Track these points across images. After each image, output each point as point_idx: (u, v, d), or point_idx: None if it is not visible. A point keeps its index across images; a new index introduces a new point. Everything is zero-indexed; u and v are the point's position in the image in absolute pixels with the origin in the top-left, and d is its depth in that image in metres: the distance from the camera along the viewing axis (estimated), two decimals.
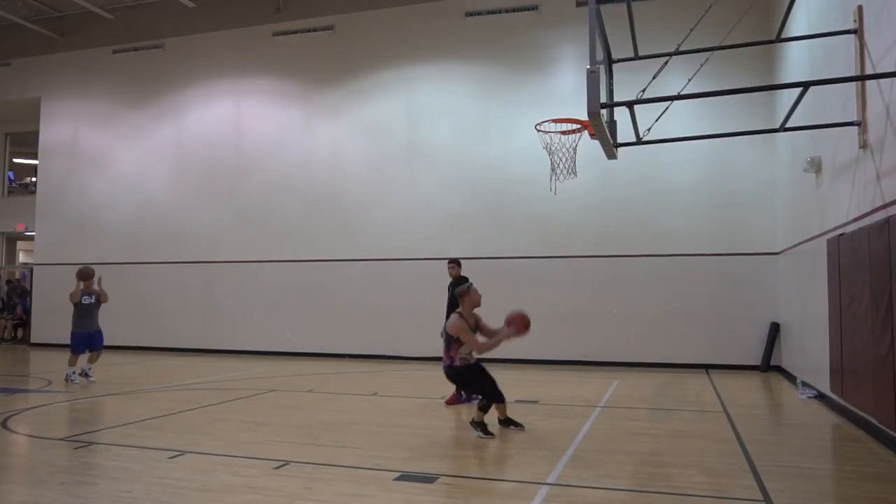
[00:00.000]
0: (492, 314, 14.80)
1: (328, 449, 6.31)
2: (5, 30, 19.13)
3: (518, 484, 5.07)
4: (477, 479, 5.26)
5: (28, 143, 20.56)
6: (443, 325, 7.65)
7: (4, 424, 7.32)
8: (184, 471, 5.48)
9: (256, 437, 7.30)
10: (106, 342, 11.25)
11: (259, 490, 4.94)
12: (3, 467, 5.80)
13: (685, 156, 13.37)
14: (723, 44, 8.16)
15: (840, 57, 7.80)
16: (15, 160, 21.95)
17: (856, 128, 7.16)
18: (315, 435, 7.21)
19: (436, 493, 4.89)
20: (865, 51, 6.96)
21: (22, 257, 23.23)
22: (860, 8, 7.11)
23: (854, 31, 7.21)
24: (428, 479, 5.21)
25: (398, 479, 5.22)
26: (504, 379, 11.63)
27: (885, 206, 6.29)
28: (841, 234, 7.66)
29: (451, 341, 7.20)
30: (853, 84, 7.19)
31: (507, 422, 7.27)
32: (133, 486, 5.00)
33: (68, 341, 11.14)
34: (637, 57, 8.10)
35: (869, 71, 6.82)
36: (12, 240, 21.83)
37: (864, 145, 6.98)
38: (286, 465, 5.64)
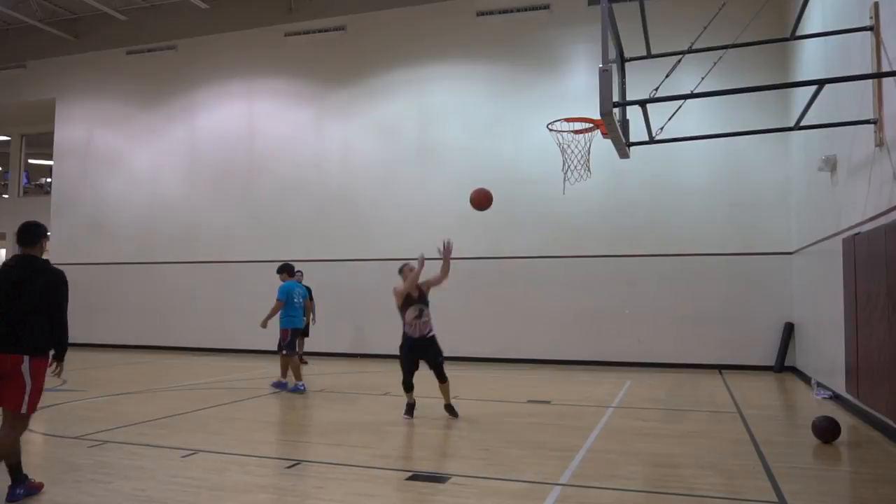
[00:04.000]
0: (501, 314, 14.74)
1: (340, 448, 6.32)
2: (20, 32, 19.31)
3: (530, 484, 5.05)
4: (489, 479, 5.25)
5: (43, 143, 20.74)
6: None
7: None
8: (197, 469, 5.50)
9: (269, 436, 7.34)
10: (120, 342, 11.34)
11: (271, 489, 4.96)
12: None
13: (698, 155, 13.28)
14: (736, 42, 8.11)
15: (856, 54, 7.72)
16: (30, 161, 22.16)
17: (871, 126, 7.08)
18: (327, 434, 7.23)
19: (447, 493, 4.88)
20: (882, 48, 6.88)
21: None
22: (876, 5, 7.03)
23: (870, 29, 7.14)
24: (440, 478, 5.21)
25: (410, 478, 5.22)
26: (515, 379, 11.68)
27: None
28: (857, 234, 7.58)
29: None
30: (869, 82, 7.11)
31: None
32: (147, 485, 5.02)
33: (85, 341, 11.13)
34: (650, 55, 8.06)
35: (885, 68, 6.74)
36: None
37: (880, 143, 6.90)
38: (298, 464, 5.65)
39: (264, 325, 10.27)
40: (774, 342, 12.82)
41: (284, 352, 10.14)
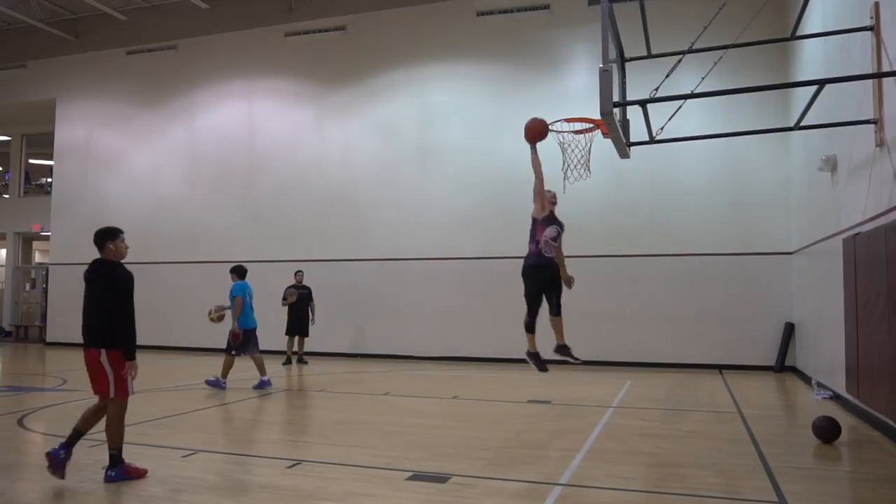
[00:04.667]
0: (501, 314, 14.69)
1: (340, 448, 6.32)
2: (20, 32, 19.32)
3: (530, 484, 5.05)
4: (489, 478, 5.25)
5: (43, 143, 20.75)
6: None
7: (20, 423, 7.38)
8: (197, 469, 5.50)
9: (269, 436, 7.33)
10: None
11: (271, 489, 4.95)
12: (20, 465, 5.86)
13: (698, 155, 13.27)
14: (737, 42, 8.10)
15: (856, 54, 7.72)
16: (30, 161, 22.17)
17: (872, 126, 7.08)
18: (327, 434, 7.23)
19: (448, 492, 4.88)
20: (882, 48, 6.88)
21: (38, 257, 23.46)
22: (877, 5, 7.03)
23: (870, 28, 7.13)
24: (440, 478, 5.21)
25: (410, 478, 5.21)
26: (516, 379, 11.67)
27: None
28: (857, 234, 7.58)
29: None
30: (869, 82, 7.11)
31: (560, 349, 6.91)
32: (147, 485, 5.02)
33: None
34: (650, 55, 8.06)
35: (886, 68, 6.74)
36: (28, 240, 22.04)
37: (880, 143, 6.90)
38: (298, 464, 5.65)
39: (234, 327, 10.23)
40: (774, 342, 12.82)
41: (233, 352, 10.25)
